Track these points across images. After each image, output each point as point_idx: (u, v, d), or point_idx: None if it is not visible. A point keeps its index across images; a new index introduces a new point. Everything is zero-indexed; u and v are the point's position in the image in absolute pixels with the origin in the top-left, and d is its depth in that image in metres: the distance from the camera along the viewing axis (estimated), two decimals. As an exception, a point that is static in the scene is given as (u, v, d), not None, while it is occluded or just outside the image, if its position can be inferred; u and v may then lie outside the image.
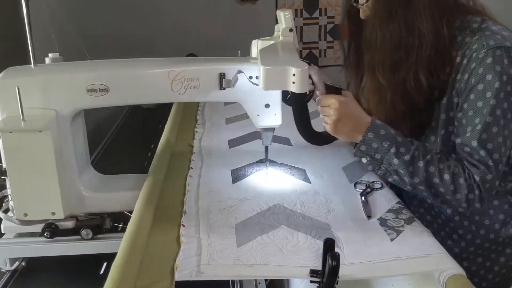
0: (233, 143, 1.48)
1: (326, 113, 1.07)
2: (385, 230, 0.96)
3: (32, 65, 1.06)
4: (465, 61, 1.02)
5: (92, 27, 2.84)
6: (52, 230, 1.08)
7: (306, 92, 1.02)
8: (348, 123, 1.05)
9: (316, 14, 3.00)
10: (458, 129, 1.04)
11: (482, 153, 1.00)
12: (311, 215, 1.03)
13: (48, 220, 1.08)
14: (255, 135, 1.51)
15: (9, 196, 1.07)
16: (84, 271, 1.09)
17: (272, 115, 1.11)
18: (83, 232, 1.08)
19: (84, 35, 2.77)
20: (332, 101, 1.06)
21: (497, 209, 1.12)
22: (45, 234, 1.07)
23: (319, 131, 1.19)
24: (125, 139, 2.04)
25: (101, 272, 1.06)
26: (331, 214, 1.03)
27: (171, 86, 1.06)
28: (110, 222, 1.13)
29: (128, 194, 1.14)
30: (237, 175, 1.23)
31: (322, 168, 1.27)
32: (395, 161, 1.02)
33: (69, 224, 1.09)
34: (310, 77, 1.36)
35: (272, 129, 1.15)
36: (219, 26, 2.97)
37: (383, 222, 1.00)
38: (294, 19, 1.13)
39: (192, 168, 1.27)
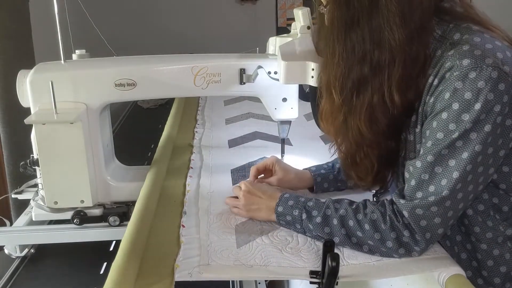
0: (233, 143, 1.49)
1: (235, 205, 1.04)
2: (385, 231, 0.96)
3: (62, 61, 1.10)
4: (435, 82, 0.83)
5: (92, 28, 2.84)
6: (81, 217, 1.13)
7: None
8: (259, 202, 1.00)
9: (316, 14, 2.99)
10: (407, 171, 0.87)
11: (434, 208, 0.82)
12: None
13: (77, 208, 1.13)
14: (255, 135, 1.51)
15: (40, 185, 1.13)
16: (92, 257, 1.14)
17: (289, 108, 1.17)
18: (111, 219, 1.13)
19: (83, 36, 2.78)
20: (238, 188, 1.05)
21: (497, 258, 0.91)
22: (74, 221, 1.12)
23: None
24: (125, 139, 2.04)
25: (101, 272, 1.06)
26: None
27: (194, 81, 1.11)
28: None
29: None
30: (237, 175, 1.23)
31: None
32: (310, 226, 0.91)
33: (97, 211, 1.15)
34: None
35: (289, 122, 1.20)
36: (219, 26, 2.98)
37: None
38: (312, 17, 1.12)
39: (192, 168, 1.27)
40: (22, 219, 1.22)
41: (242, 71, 1.11)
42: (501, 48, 0.81)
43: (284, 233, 0.95)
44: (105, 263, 1.09)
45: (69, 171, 1.09)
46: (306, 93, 1.17)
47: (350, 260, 0.86)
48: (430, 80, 0.84)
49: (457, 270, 0.83)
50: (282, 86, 1.12)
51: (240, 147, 1.45)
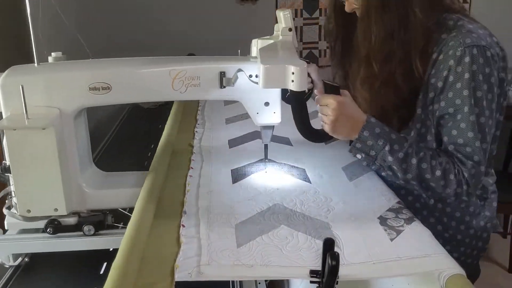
0: (233, 143, 1.48)
1: (324, 113, 1.09)
2: (385, 230, 0.96)
3: (36, 64, 1.07)
4: (441, 57, 1.06)
5: (92, 27, 2.84)
6: (55, 226, 1.09)
7: (305, 91, 1.03)
8: (346, 123, 1.07)
9: (316, 14, 3.00)
10: (442, 127, 1.08)
11: (468, 149, 1.04)
12: (311, 214, 1.03)
13: (51, 216, 1.09)
14: (255, 135, 1.51)
15: (12, 192, 1.09)
16: (86, 267, 1.10)
17: (272, 113, 1.13)
18: (85, 228, 1.10)
19: (84, 35, 2.77)
20: (330, 101, 1.07)
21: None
22: (48, 230, 1.09)
23: (318, 129, 1.20)
24: (125, 139, 2.04)
25: (101, 272, 1.06)
26: (331, 213, 1.03)
27: (172, 84, 1.07)
28: (111, 219, 1.15)
29: (129, 191, 1.15)
30: (237, 175, 1.23)
31: (322, 168, 1.27)
32: (389, 158, 1.05)
33: (72, 220, 1.11)
34: (309, 75, 1.37)
35: (271, 127, 1.17)
36: (219, 26, 2.98)
37: (383, 221, 1.00)
38: (294, 19, 1.14)
39: (192, 168, 1.27)
40: (15, 226, 1.16)
41: (222, 74, 1.07)
42: (487, 34, 1.07)
43: (284, 232, 0.95)
44: (105, 263, 1.08)
45: (42, 179, 1.05)
46: (286, 97, 1.15)
47: (350, 259, 0.86)
48: (434, 56, 1.07)
49: (457, 270, 0.83)
50: (264, 90, 1.08)
51: (240, 147, 1.45)
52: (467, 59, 1.02)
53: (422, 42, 1.06)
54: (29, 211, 1.07)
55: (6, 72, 1.05)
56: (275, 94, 1.11)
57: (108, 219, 1.14)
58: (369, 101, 1.14)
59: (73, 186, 1.11)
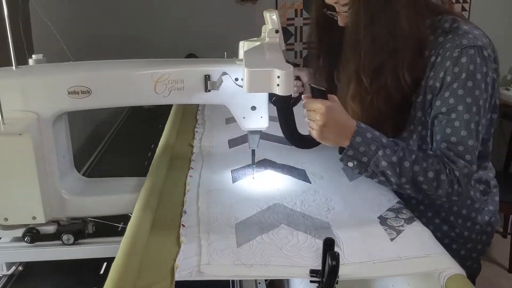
0: (233, 143, 1.48)
1: (311, 118, 1.04)
2: (385, 230, 0.96)
3: (14, 67, 1.04)
4: (439, 59, 1.05)
5: (92, 28, 2.84)
6: (33, 235, 1.06)
7: (291, 95, 0.99)
8: (334, 129, 1.03)
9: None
10: (436, 126, 1.07)
11: (461, 148, 1.03)
12: (311, 213, 1.03)
13: (29, 225, 1.06)
14: (255, 135, 1.50)
15: None
16: (82, 275, 1.08)
17: (259, 117, 1.09)
18: (64, 237, 1.06)
19: (84, 35, 2.78)
20: (318, 105, 1.02)
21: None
22: (25, 239, 1.05)
23: (304, 134, 1.16)
24: (125, 139, 2.04)
25: (101, 272, 1.06)
26: (331, 213, 1.03)
27: (155, 88, 1.04)
28: (92, 227, 1.12)
29: (112, 198, 1.13)
30: (237, 175, 1.23)
31: (322, 169, 1.27)
32: (383, 163, 1.02)
33: (51, 229, 1.08)
34: (299, 79, 1.37)
35: (258, 132, 1.13)
36: (219, 26, 2.98)
37: (383, 221, 1.00)
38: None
39: (192, 168, 1.27)
40: (8, 234, 1.12)
41: (207, 78, 1.03)
42: (482, 35, 1.07)
43: (284, 232, 0.95)
44: (105, 263, 1.08)
45: (19, 186, 1.01)
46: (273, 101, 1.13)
47: (351, 259, 0.86)
48: (432, 59, 1.06)
49: (457, 270, 0.83)
50: (251, 94, 1.04)
51: (240, 147, 1.45)
52: (464, 59, 1.02)
53: (410, 53, 1.05)
54: (6, 219, 1.03)
55: None
56: (262, 98, 1.08)
57: (89, 228, 1.11)
58: (360, 114, 1.12)
59: (52, 193, 1.07)
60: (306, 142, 1.16)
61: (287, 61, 0.98)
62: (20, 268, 1.10)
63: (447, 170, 1.03)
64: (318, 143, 1.11)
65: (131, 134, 2.12)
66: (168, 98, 1.05)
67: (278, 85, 0.92)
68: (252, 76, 0.93)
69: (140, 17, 2.99)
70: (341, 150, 1.06)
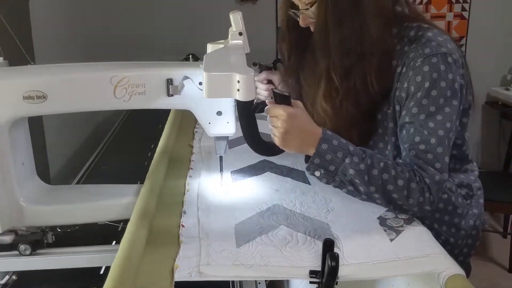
0: (233, 143, 1.48)
1: (274, 124, 1.01)
2: (385, 230, 0.96)
3: None
4: (404, 70, 1.05)
5: (92, 28, 2.84)
6: None
7: (253, 100, 0.97)
8: (298, 136, 0.99)
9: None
10: (404, 135, 1.06)
11: (430, 156, 1.01)
12: (310, 215, 1.03)
13: None
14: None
15: None
16: (76, 283, 1.05)
17: (225, 123, 1.06)
18: (22, 247, 1.03)
19: (84, 36, 2.78)
20: (280, 112, 0.98)
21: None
22: None
23: (268, 141, 1.11)
24: (125, 139, 2.04)
25: (101, 272, 1.06)
26: (331, 214, 1.03)
27: (114, 92, 1.00)
28: (52, 237, 1.09)
29: (72, 206, 1.10)
30: (237, 175, 1.23)
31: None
32: (350, 171, 0.98)
33: (7, 238, 1.04)
34: (272, 82, 1.37)
35: (225, 138, 1.10)
36: (219, 26, 2.98)
37: (382, 221, 1.00)
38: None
39: (192, 168, 1.27)
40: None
41: (169, 82, 1.00)
42: (448, 40, 1.06)
43: (284, 232, 0.95)
44: (103, 267, 1.07)
45: None
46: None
47: (350, 260, 0.86)
48: (398, 70, 1.06)
49: (457, 270, 0.83)
50: (216, 99, 1.01)
51: (240, 147, 1.45)
52: (426, 68, 1.01)
53: (377, 60, 1.05)
54: None
55: None
56: (228, 103, 1.04)
57: (48, 238, 1.07)
58: (331, 115, 1.11)
59: (9, 201, 1.03)
60: (270, 149, 1.11)
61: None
62: (14, 277, 1.07)
63: (417, 178, 1.00)
64: (282, 151, 1.07)
65: (131, 134, 2.12)
66: (129, 103, 1.01)
67: (238, 90, 0.89)
68: (211, 81, 0.90)
69: (140, 17, 2.99)
70: (307, 158, 1.02)
